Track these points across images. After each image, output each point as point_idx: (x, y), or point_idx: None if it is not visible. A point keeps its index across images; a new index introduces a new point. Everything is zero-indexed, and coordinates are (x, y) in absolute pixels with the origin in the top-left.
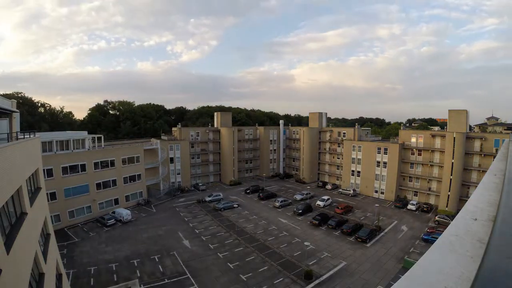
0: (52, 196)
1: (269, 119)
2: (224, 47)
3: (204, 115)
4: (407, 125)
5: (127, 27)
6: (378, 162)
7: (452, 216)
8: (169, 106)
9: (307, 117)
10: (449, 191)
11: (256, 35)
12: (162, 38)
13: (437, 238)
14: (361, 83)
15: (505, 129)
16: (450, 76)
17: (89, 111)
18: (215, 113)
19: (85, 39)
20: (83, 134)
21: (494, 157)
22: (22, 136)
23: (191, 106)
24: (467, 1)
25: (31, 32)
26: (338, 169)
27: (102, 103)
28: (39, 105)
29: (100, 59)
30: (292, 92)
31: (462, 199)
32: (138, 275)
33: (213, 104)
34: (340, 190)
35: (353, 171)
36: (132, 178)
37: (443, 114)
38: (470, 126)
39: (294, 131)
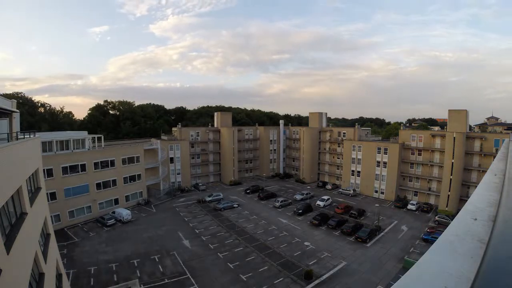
0: (52, 196)
1: (269, 119)
2: (249, 75)
3: (204, 115)
4: (407, 125)
5: (199, 69)
6: (378, 162)
7: (452, 216)
8: (169, 106)
9: (307, 117)
10: (449, 191)
11: (269, 69)
12: (215, 74)
13: (437, 238)
14: (343, 94)
15: (505, 129)
16: (413, 88)
17: (89, 111)
18: (215, 113)
19: (161, 72)
20: (83, 134)
21: (494, 157)
22: (22, 136)
23: (192, 106)
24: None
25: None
26: (338, 169)
27: (102, 103)
28: (39, 105)
29: (166, 80)
30: (295, 99)
31: (462, 199)
32: (138, 275)
33: (235, 105)
34: (340, 190)
35: (353, 171)
36: (132, 178)
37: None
38: (470, 126)
39: (294, 131)
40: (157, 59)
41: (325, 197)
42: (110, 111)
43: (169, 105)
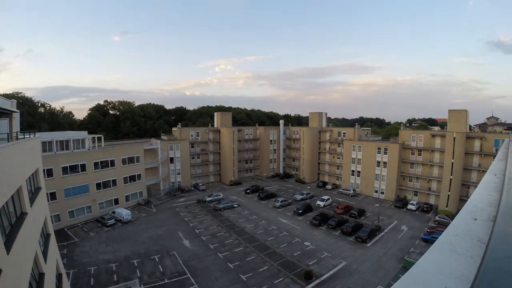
0: (52, 196)
1: (269, 119)
2: (264, 89)
3: (204, 115)
4: (407, 125)
5: (226, 87)
6: (378, 162)
7: (452, 216)
8: (169, 106)
9: (307, 117)
10: (449, 191)
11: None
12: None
13: (437, 238)
14: (334, 100)
15: (505, 129)
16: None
17: (89, 111)
18: (215, 113)
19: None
20: (83, 134)
21: (494, 157)
22: (22, 136)
23: (192, 106)
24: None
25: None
26: (338, 169)
27: (102, 103)
28: (39, 105)
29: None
30: (296, 103)
31: (462, 199)
32: (138, 275)
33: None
34: (340, 190)
35: (353, 171)
36: (132, 178)
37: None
38: (470, 126)
39: (294, 131)
40: (204, 82)
41: (325, 197)
42: (110, 111)
43: (169, 105)
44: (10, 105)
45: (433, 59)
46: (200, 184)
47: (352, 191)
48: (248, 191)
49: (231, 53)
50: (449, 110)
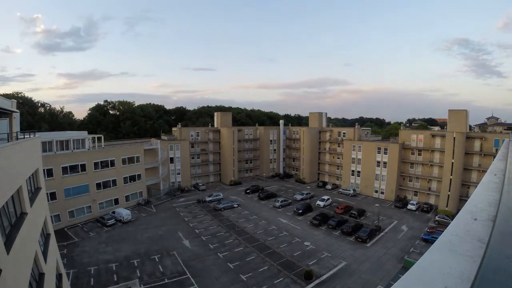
0: (52, 196)
1: (269, 119)
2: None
3: (204, 115)
4: (407, 125)
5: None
6: (378, 162)
7: (452, 216)
8: (169, 106)
9: (307, 117)
10: (449, 191)
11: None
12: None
13: (437, 238)
14: (330, 103)
15: (505, 129)
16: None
17: (89, 111)
18: (215, 113)
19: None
20: (83, 134)
21: (494, 157)
22: (22, 136)
23: (191, 106)
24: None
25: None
26: (338, 169)
27: (102, 103)
28: (39, 105)
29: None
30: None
31: (462, 199)
32: (138, 275)
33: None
34: (340, 190)
35: (353, 171)
36: (132, 178)
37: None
38: (470, 126)
39: (294, 131)
40: (217, 89)
41: (325, 197)
42: (110, 111)
43: (169, 105)
44: (10, 105)
45: (413, 69)
46: (200, 184)
47: (352, 191)
48: (248, 191)
49: (243, 68)
50: (449, 110)
